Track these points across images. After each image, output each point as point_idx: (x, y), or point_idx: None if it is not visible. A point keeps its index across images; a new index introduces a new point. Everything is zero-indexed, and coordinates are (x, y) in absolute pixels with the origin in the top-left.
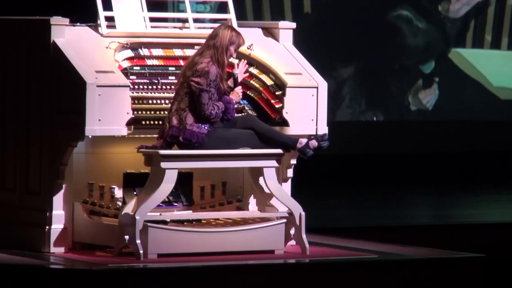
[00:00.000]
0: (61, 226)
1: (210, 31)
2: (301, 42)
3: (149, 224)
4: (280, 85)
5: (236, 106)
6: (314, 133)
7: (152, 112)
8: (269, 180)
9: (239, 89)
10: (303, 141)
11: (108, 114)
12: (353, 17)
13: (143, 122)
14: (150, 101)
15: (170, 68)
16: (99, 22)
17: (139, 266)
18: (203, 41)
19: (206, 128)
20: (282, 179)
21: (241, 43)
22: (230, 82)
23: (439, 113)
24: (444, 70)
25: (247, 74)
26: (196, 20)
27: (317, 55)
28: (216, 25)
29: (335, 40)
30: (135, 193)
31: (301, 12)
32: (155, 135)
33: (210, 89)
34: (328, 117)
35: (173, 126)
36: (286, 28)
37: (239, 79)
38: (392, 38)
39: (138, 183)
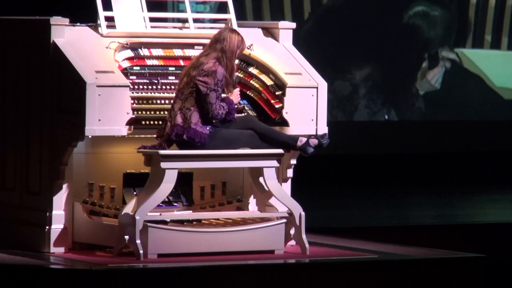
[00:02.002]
0: (61, 226)
1: (210, 31)
2: (301, 42)
3: (149, 224)
4: (280, 85)
5: (235, 106)
6: (314, 133)
7: (152, 112)
8: (269, 180)
9: (238, 91)
10: (303, 139)
11: (108, 114)
12: (352, 17)
13: (143, 122)
14: (150, 101)
15: (170, 68)
16: (99, 22)
17: (139, 266)
18: (203, 41)
19: (208, 128)
20: (282, 179)
21: (244, 48)
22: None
23: (444, 99)
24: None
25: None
26: (196, 20)
27: (316, 55)
28: (216, 25)
29: (334, 39)
30: (135, 193)
31: (301, 12)
32: (155, 135)
33: (218, 88)
34: (328, 117)
35: (178, 125)
36: (286, 28)
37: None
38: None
39: (138, 183)
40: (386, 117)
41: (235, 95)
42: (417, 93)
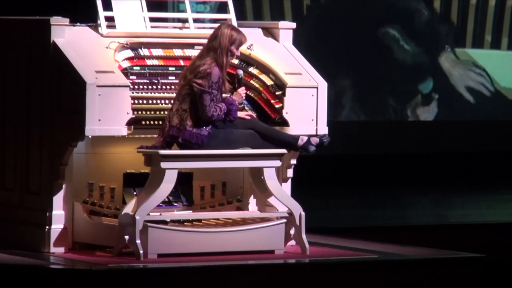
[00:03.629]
0: (61, 226)
1: (210, 31)
2: (300, 42)
3: (149, 224)
4: (280, 85)
5: (238, 106)
6: (314, 133)
7: (152, 112)
8: (269, 180)
9: (242, 91)
10: (304, 138)
11: (108, 114)
12: (352, 18)
13: (143, 122)
14: (150, 101)
15: (170, 68)
16: (99, 22)
17: (139, 266)
18: (203, 41)
19: (207, 130)
20: (282, 179)
21: (243, 41)
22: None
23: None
24: (443, 85)
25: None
26: (196, 20)
27: (315, 55)
28: (216, 25)
29: (335, 41)
30: (135, 193)
31: (301, 12)
32: (155, 135)
33: (212, 91)
34: (328, 117)
35: (173, 127)
36: (286, 28)
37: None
38: (384, 53)
39: (138, 183)
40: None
41: (238, 95)
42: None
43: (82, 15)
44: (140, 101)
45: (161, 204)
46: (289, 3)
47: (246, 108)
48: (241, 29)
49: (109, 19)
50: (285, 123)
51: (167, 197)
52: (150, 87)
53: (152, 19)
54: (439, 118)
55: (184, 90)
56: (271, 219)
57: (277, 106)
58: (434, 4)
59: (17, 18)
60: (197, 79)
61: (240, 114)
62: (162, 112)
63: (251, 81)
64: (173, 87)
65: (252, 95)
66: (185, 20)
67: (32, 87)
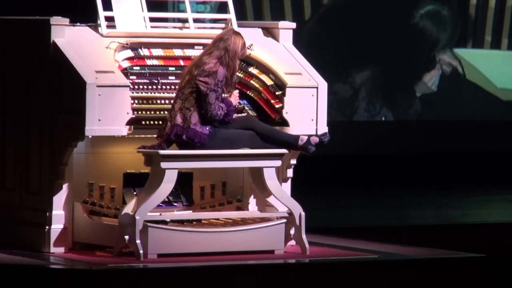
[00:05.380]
0: (61, 226)
1: (210, 31)
2: (302, 43)
3: (149, 224)
4: (280, 85)
5: (234, 107)
6: (314, 133)
7: (152, 112)
8: (269, 180)
9: (236, 92)
10: (304, 138)
11: (108, 114)
12: (353, 18)
13: (143, 122)
14: (150, 101)
15: (170, 68)
16: (99, 22)
17: (139, 266)
18: (203, 41)
19: (208, 129)
20: (282, 179)
21: (245, 53)
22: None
23: (441, 102)
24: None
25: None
26: (196, 20)
27: (316, 56)
28: (216, 25)
29: (335, 40)
30: (135, 193)
31: (301, 12)
32: (155, 135)
33: (218, 89)
34: (328, 117)
35: (178, 125)
36: (286, 28)
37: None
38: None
39: (138, 183)
40: (383, 118)
41: (234, 97)
42: (415, 95)
43: (82, 15)
44: (140, 101)
45: (161, 204)
46: (289, 3)
47: (246, 108)
48: (241, 29)
49: (109, 19)
50: (285, 123)
51: (167, 197)
52: (150, 87)
53: (152, 19)
54: (444, 84)
55: (187, 88)
56: (271, 219)
57: (277, 106)
58: None
59: (17, 18)
60: (203, 77)
61: (233, 96)
62: (162, 112)
63: (251, 81)
64: (173, 87)
65: (252, 95)
66: (185, 20)
67: (32, 87)
